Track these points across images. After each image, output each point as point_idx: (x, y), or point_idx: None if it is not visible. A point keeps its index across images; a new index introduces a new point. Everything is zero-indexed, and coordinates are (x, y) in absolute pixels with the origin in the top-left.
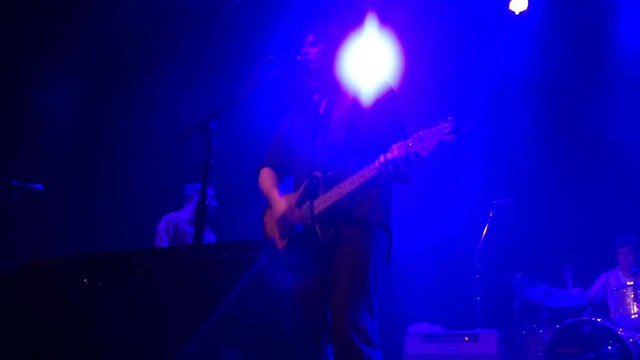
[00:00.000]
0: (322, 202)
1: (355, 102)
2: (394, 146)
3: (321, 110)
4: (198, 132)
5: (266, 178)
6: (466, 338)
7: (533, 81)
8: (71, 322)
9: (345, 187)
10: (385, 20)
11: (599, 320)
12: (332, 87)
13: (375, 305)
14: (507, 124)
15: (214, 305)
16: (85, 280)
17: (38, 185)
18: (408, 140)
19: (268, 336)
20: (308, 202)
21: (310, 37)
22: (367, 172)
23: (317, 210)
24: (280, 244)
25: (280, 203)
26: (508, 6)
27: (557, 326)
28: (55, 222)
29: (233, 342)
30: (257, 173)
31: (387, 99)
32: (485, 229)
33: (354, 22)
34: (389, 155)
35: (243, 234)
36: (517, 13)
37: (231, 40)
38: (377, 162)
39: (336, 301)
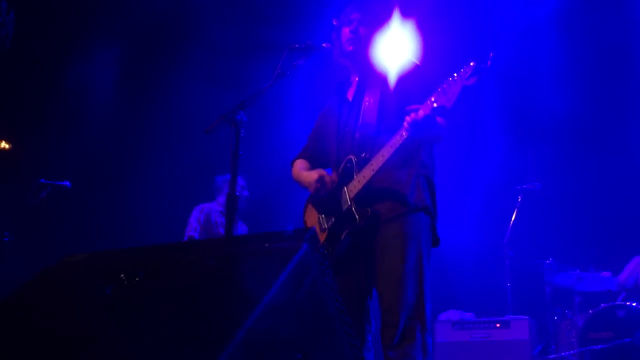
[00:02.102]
0: (357, 182)
1: (385, 83)
2: (417, 106)
3: (352, 96)
4: (226, 123)
5: (298, 167)
6: (498, 325)
7: (558, 63)
8: (110, 317)
9: (377, 161)
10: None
11: (634, 304)
12: (365, 68)
13: (428, 289)
14: (533, 107)
15: (257, 298)
16: (122, 275)
17: (66, 183)
18: (431, 97)
19: (313, 329)
20: (345, 187)
21: (355, 16)
22: (397, 140)
23: (352, 193)
24: (321, 237)
25: (312, 174)
26: None
27: (591, 311)
28: (86, 218)
29: (277, 336)
30: (291, 166)
31: (415, 76)
32: (514, 214)
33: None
34: (414, 116)
35: (277, 226)
36: None
37: (257, 29)
38: (403, 127)
39: (388, 289)
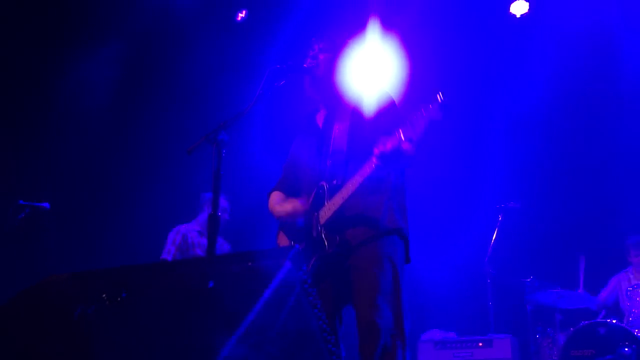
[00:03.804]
0: (327, 209)
1: (355, 112)
2: (386, 138)
3: (322, 124)
4: (208, 143)
5: (273, 200)
6: (480, 344)
7: (538, 83)
8: (92, 337)
9: (347, 189)
10: (387, 26)
11: (614, 322)
12: (334, 97)
13: (405, 308)
14: (513, 127)
15: (241, 317)
16: (104, 295)
17: (45, 204)
18: (399, 129)
19: (297, 347)
20: (315, 213)
21: (320, 44)
22: (366, 170)
23: (322, 220)
24: None
25: (286, 205)
26: (509, 9)
27: (572, 329)
28: (65, 240)
29: (262, 354)
30: (267, 198)
31: (386, 107)
32: (495, 233)
33: (357, 30)
34: (382, 148)
35: (261, 246)
36: (518, 16)
37: (239, 50)
38: (372, 156)
39: (367, 309)
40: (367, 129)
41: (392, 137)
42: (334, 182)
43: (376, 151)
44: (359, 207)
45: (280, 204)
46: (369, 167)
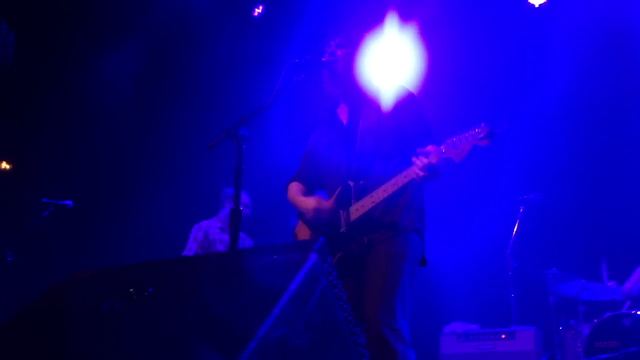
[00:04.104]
0: (355, 210)
1: (379, 109)
2: (427, 150)
3: (346, 120)
4: (228, 138)
5: (293, 190)
6: (503, 336)
7: (557, 73)
8: (121, 331)
9: (378, 195)
10: (406, 21)
11: (639, 313)
12: (356, 93)
13: (408, 306)
14: (534, 117)
15: (267, 310)
16: (131, 289)
17: (68, 202)
18: (441, 147)
19: (322, 339)
20: (341, 211)
21: (336, 40)
22: (401, 180)
23: (350, 219)
24: None
25: (309, 200)
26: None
27: (596, 320)
28: (88, 237)
29: (288, 346)
30: (285, 189)
31: (410, 103)
32: (517, 224)
33: (376, 25)
34: (421, 163)
35: (279, 240)
36: (536, 5)
37: (257, 45)
38: (411, 170)
39: (371, 301)
40: (392, 127)
41: (433, 152)
42: (361, 182)
43: (416, 168)
44: (384, 210)
45: (303, 197)
46: (405, 177)
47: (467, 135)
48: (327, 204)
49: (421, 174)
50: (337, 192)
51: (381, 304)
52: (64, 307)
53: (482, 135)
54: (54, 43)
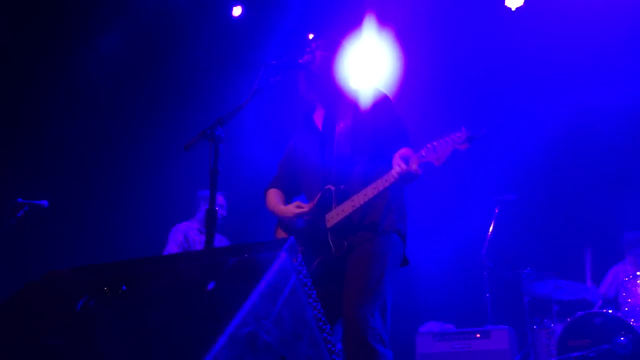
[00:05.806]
0: (336, 214)
1: (356, 112)
2: (407, 155)
3: (322, 123)
4: (205, 139)
5: (272, 197)
6: (478, 335)
7: (532, 77)
8: (95, 329)
9: (359, 199)
10: (383, 24)
11: (610, 311)
12: (332, 95)
13: (389, 306)
14: (510, 119)
15: (237, 308)
16: (105, 288)
17: (44, 202)
18: (422, 151)
19: (293, 336)
20: (321, 216)
21: (313, 41)
22: (381, 184)
23: (330, 224)
24: None
25: (289, 208)
26: (504, 2)
27: (569, 319)
28: (64, 238)
29: (258, 343)
30: (264, 196)
31: (386, 106)
32: (492, 225)
33: (353, 28)
34: (400, 168)
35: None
36: (513, 9)
37: (235, 46)
38: (390, 175)
39: (351, 300)
40: (369, 130)
41: (413, 156)
42: (342, 187)
43: (398, 170)
44: (365, 212)
45: (282, 206)
46: (384, 182)
47: (447, 139)
48: (306, 209)
49: (396, 177)
50: (317, 197)
51: (361, 303)
52: (38, 306)
53: (462, 139)
54: (28, 41)
